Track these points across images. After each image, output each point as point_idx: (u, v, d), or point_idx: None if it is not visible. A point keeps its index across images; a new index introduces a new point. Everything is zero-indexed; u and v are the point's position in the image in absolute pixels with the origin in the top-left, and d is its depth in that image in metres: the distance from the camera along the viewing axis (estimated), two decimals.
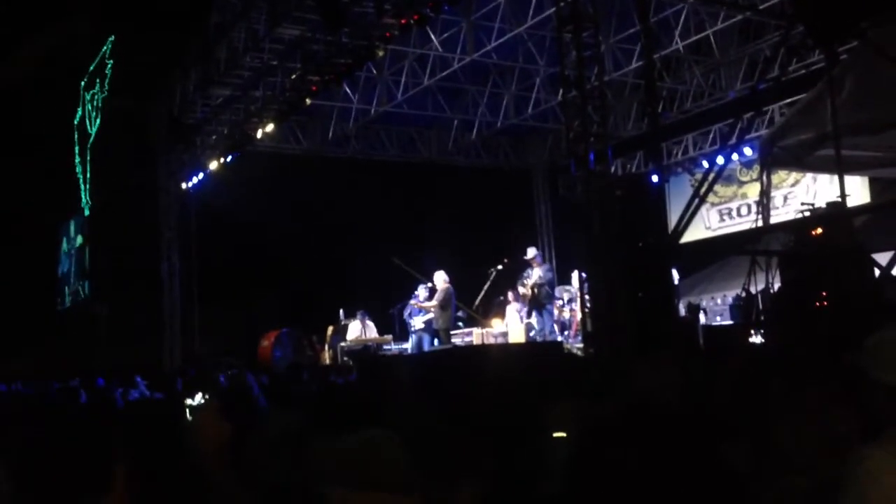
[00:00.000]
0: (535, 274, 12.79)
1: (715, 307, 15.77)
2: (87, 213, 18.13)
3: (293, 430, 3.42)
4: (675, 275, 11.03)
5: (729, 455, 3.10)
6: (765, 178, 8.42)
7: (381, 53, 12.57)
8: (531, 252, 13.24)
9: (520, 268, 13.40)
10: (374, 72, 15.66)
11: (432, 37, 14.35)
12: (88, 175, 17.94)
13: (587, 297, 9.68)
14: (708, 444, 3.13)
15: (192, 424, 2.35)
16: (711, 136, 17.24)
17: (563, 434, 3.17)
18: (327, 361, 15.01)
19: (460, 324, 14.05)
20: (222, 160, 15.70)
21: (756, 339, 7.70)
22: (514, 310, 13.56)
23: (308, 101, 13.88)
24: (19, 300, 17.00)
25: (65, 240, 19.79)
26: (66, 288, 19.49)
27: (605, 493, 2.57)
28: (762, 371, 3.24)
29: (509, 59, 15.80)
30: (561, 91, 10.31)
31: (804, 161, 8.41)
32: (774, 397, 3.12)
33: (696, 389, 3.72)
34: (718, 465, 2.98)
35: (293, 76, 13.61)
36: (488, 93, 17.02)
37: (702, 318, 13.39)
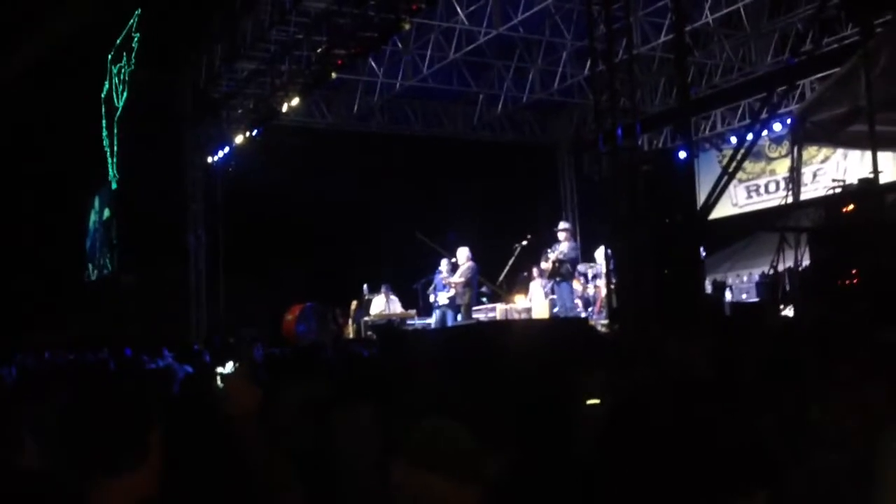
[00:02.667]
0: (560, 248, 12.72)
1: (741, 285, 15.62)
2: (114, 186, 18.27)
3: (317, 399, 3.44)
4: (702, 252, 10.93)
5: (761, 429, 3.08)
6: (795, 153, 8.28)
7: (406, 27, 12.48)
8: (563, 224, 13.14)
9: (545, 243, 13.33)
10: (400, 45, 15.57)
11: (458, 10, 14.22)
12: (116, 149, 18.06)
13: (612, 273, 9.62)
14: (739, 418, 3.11)
15: (223, 390, 2.36)
16: (740, 111, 17.00)
17: (597, 401, 3.16)
18: (351, 335, 15.08)
19: (484, 299, 14.03)
20: (248, 134, 15.73)
21: (786, 313, 7.61)
22: (538, 285, 13.51)
23: (334, 74, 13.82)
24: (48, 273, 17.23)
25: (92, 213, 19.98)
26: (94, 261, 19.72)
27: (637, 462, 2.55)
28: (794, 346, 3.20)
29: (536, 33, 15.63)
30: (588, 65, 10.19)
31: (836, 136, 8.27)
32: (807, 372, 3.09)
33: (725, 364, 3.69)
34: (750, 438, 2.95)
35: (319, 50, 13.57)
36: (514, 67, 16.87)
37: (727, 296, 13.28)
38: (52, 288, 17.14)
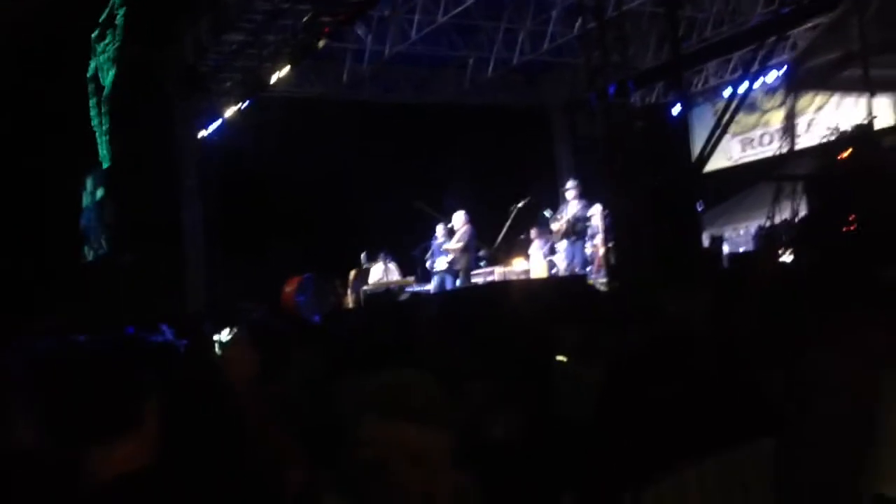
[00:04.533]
0: (572, 207, 12.68)
1: (737, 238, 15.61)
2: (105, 165, 18.15)
3: (318, 368, 3.43)
4: (698, 206, 10.90)
5: (762, 379, 3.08)
6: (790, 101, 8.21)
7: None
8: (570, 183, 13.09)
9: (542, 204, 13.30)
10: (387, 13, 15.38)
11: None
12: (105, 127, 17.91)
13: (610, 231, 9.60)
14: (739, 370, 3.11)
15: (222, 357, 2.35)
16: (732, 63, 16.86)
17: (564, 359, 3.16)
18: (350, 306, 15.09)
19: (482, 263, 14.03)
20: (238, 106, 15.61)
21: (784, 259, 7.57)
22: (536, 247, 13.51)
23: (321, 43, 13.68)
24: (44, 256, 17.17)
25: (85, 194, 19.87)
26: (89, 242, 19.65)
27: (639, 416, 2.56)
28: (792, 293, 3.19)
29: None
30: (579, 22, 10.08)
31: (830, 82, 8.19)
32: (807, 318, 3.08)
33: (723, 316, 3.67)
34: (751, 389, 2.95)
35: (304, 19, 13.41)
36: (503, 28, 16.69)
37: (725, 249, 13.27)
38: (48, 271, 17.09)
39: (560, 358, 3.02)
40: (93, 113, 18.22)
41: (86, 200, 19.74)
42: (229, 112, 15.78)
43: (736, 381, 3.00)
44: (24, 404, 2.21)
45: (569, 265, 12.67)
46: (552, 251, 13.31)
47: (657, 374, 2.40)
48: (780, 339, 3.09)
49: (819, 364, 2.84)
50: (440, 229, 13.41)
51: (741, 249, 14.71)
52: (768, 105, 16.43)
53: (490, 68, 17.71)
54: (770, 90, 15.84)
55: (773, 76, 14.46)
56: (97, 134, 18.17)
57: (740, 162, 17.27)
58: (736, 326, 3.21)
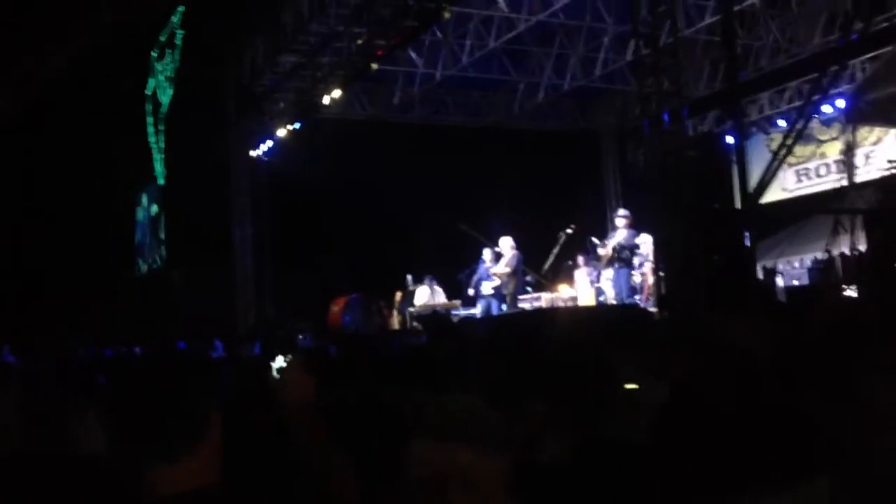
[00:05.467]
0: (620, 235, 12.60)
1: (792, 271, 15.31)
2: (161, 182, 18.55)
3: (370, 388, 3.44)
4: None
5: (822, 414, 2.99)
6: (849, 133, 8.07)
7: (447, 15, 12.44)
8: (622, 212, 13.01)
9: (590, 231, 13.22)
10: (440, 35, 15.52)
11: None
12: (162, 145, 18.32)
13: (660, 260, 9.50)
14: (798, 404, 3.03)
15: (278, 381, 2.37)
16: (788, 94, 16.64)
17: (635, 386, 3.10)
18: (396, 326, 15.12)
19: (528, 289, 13.96)
20: (290, 127, 15.84)
21: (848, 293, 7.42)
22: (583, 274, 13.40)
23: (374, 66, 13.85)
24: (98, 269, 17.55)
25: (139, 209, 20.31)
26: (143, 256, 20.05)
27: (696, 447, 2.50)
28: (854, 328, 3.11)
29: (576, 19, 15.46)
30: (632, 49, 10.06)
31: (892, 115, 8.04)
32: (867, 354, 2.99)
33: (783, 349, 3.59)
34: (811, 424, 2.87)
35: (359, 41, 13.60)
36: (555, 54, 16.71)
37: (779, 282, 13.03)
38: (103, 283, 17.46)
39: (628, 385, 2.98)
40: (150, 130, 18.67)
41: (140, 216, 20.18)
42: (281, 132, 16.02)
43: (794, 415, 2.93)
44: (87, 412, 2.26)
45: (617, 293, 12.54)
46: (599, 278, 13.20)
47: (717, 403, 2.35)
48: (841, 374, 3.02)
49: (880, 400, 2.76)
50: (487, 253, 13.40)
51: (795, 282, 14.45)
52: (825, 136, 16.17)
53: (541, 94, 17.73)
54: (827, 121, 15.60)
55: (830, 107, 14.21)
56: (153, 151, 18.59)
57: (796, 193, 16.98)
58: (796, 360, 3.13)
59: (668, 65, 9.46)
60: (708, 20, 14.31)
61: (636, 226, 12.55)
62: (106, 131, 17.12)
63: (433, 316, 13.09)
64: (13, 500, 1.85)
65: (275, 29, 15.08)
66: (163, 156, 18.30)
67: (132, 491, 1.71)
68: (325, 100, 14.71)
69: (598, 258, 13.08)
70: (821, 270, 9.71)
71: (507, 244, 13.12)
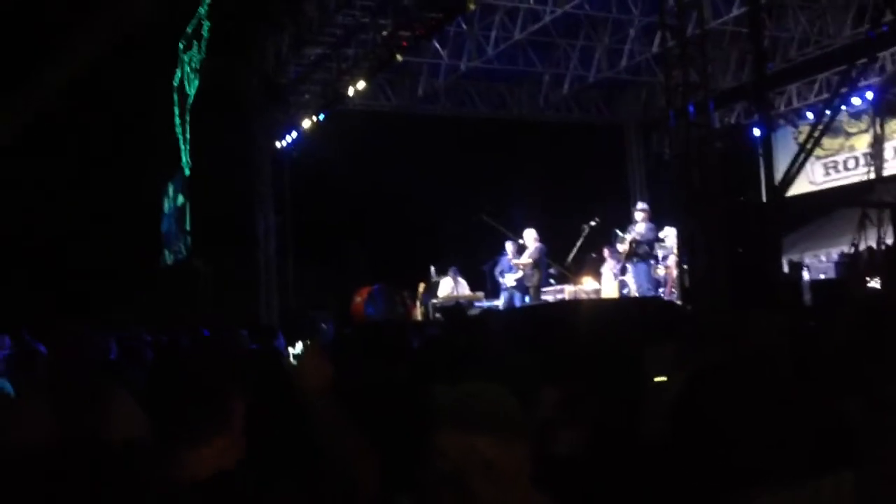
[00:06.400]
0: (637, 228, 12.54)
1: (818, 265, 15.11)
2: (186, 173, 18.68)
3: (392, 378, 3.46)
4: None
5: (843, 409, 2.98)
6: (878, 126, 7.97)
7: (472, 6, 12.40)
8: (640, 205, 12.94)
9: (614, 223, 13.16)
10: (465, 26, 15.49)
11: None
12: (188, 136, 18.44)
13: (684, 253, 9.44)
14: (819, 397, 3.01)
15: (297, 367, 2.39)
16: (816, 86, 16.43)
17: (664, 379, 3.10)
18: (419, 318, 15.16)
19: (552, 281, 13.94)
20: (314, 118, 15.89)
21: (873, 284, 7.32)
22: (608, 267, 13.36)
23: (399, 57, 13.84)
24: (124, 258, 17.75)
25: (166, 200, 20.47)
26: (169, 246, 20.22)
27: (716, 438, 2.50)
28: (880, 320, 3.09)
29: (602, 10, 15.37)
30: (658, 40, 9.98)
31: None
32: (893, 347, 2.96)
33: (805, 342, 3.57)
34: (833, 418, 2.86)
35: (384, 33, 13.61)
36: (580, 46, 16.62)
37: (805, 276, 12.89)
38: (130, 272, 17.66)
39: (657, 379, 2.98)
40: (177, 121, 18.79)
41: (167, 206, 20.34)
42: (306, 124, 16.08)
43: (817, 408, 2.91)
44: (122, 396, 2.30)
45: (637, 287, 12.50)
46: (623, 271, 13.14)
47: (738, 394, 2.35)
48: (864, 367, 2.99)
49: None
50: (510, 246, 13.39)
51: (821, 276, 14.29)
52: (854, 129, 15.96)
53: (566, 85, 17.65)
54: (856, 113, 15.40)
55: (859, 99, 14.03)
56: (180, 141, 18.72)
57: (823, 186, 16.79)
58: (821, 353, 3.11)
59: (695, 56, 9.38)
60: (735, 12, 14.14)
61: (656, 219, 12.48)
62: (135, 122, 17.29)
63: (451, 308, 13.12)
64: (41, 488, 1.89)
65: (300, 20, 15.13)
66: (188, 147, 18.43)
67: (160, 475, 1.75)
68: (350, 91, 14.74)
69: (620, 252, 13.04)
70: (847, 265, 9.60)
71: (530, 236, 13.11)
